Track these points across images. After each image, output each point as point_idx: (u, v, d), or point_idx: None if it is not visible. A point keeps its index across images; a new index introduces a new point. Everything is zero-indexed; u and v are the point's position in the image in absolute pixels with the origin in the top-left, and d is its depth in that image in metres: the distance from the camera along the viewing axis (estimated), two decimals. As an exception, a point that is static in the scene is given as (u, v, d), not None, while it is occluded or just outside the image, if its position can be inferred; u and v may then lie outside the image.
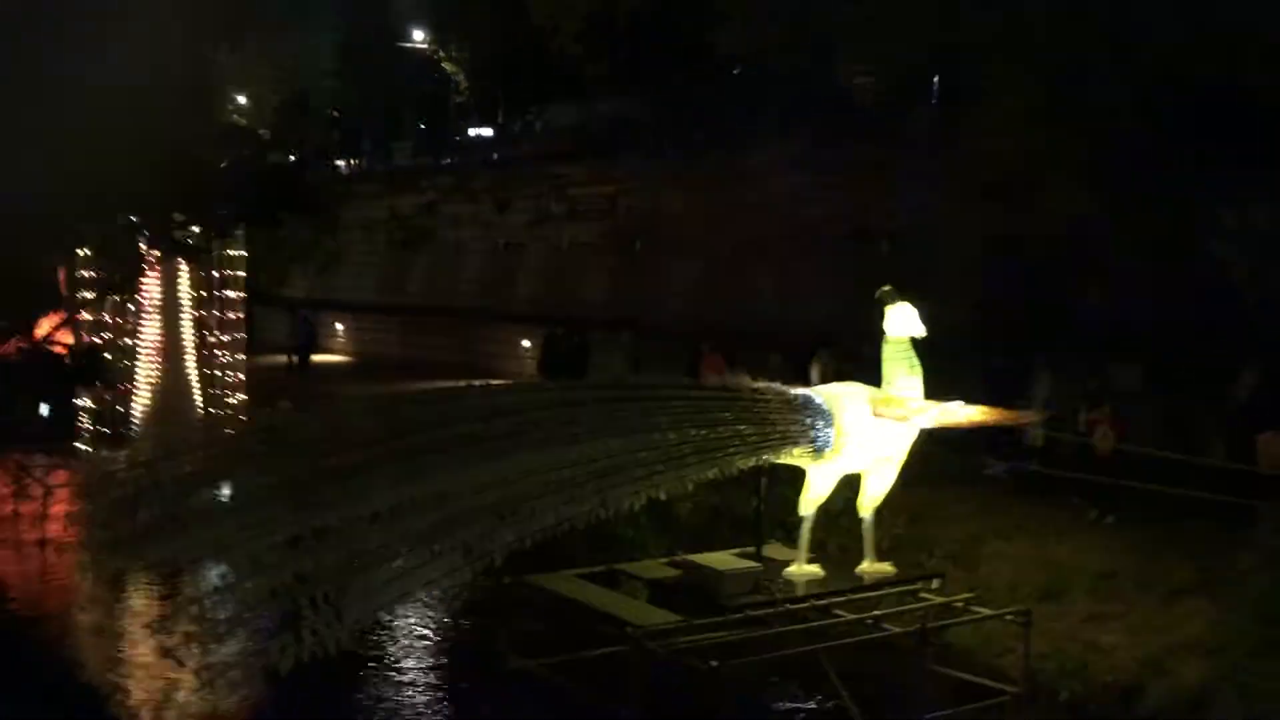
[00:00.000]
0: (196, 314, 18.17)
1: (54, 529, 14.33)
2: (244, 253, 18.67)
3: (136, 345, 18.06)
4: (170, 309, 17.68)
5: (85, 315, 18.13)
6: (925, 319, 10.60)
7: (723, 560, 10.75)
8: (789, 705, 10.60)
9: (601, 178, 30.01)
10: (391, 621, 11.65)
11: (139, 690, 10.65)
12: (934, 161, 20.72)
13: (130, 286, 17.49)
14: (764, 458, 9.82)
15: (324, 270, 37.02)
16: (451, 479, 7.86)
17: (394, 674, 11.19)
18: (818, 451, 10.04)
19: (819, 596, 9.92)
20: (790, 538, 11.12)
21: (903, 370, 10.52)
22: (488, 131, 41.11)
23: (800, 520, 10.70)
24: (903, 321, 10.54)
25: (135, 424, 17.75)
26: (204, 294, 18.18)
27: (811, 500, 10.57)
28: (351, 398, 18.66)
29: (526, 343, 26.85)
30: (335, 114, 44.81)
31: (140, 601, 12.12)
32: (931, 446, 11.12)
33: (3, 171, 9.65)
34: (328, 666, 7.15)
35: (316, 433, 8.37)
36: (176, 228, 13.09)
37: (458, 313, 32.69)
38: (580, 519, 8.37)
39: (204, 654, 7.32)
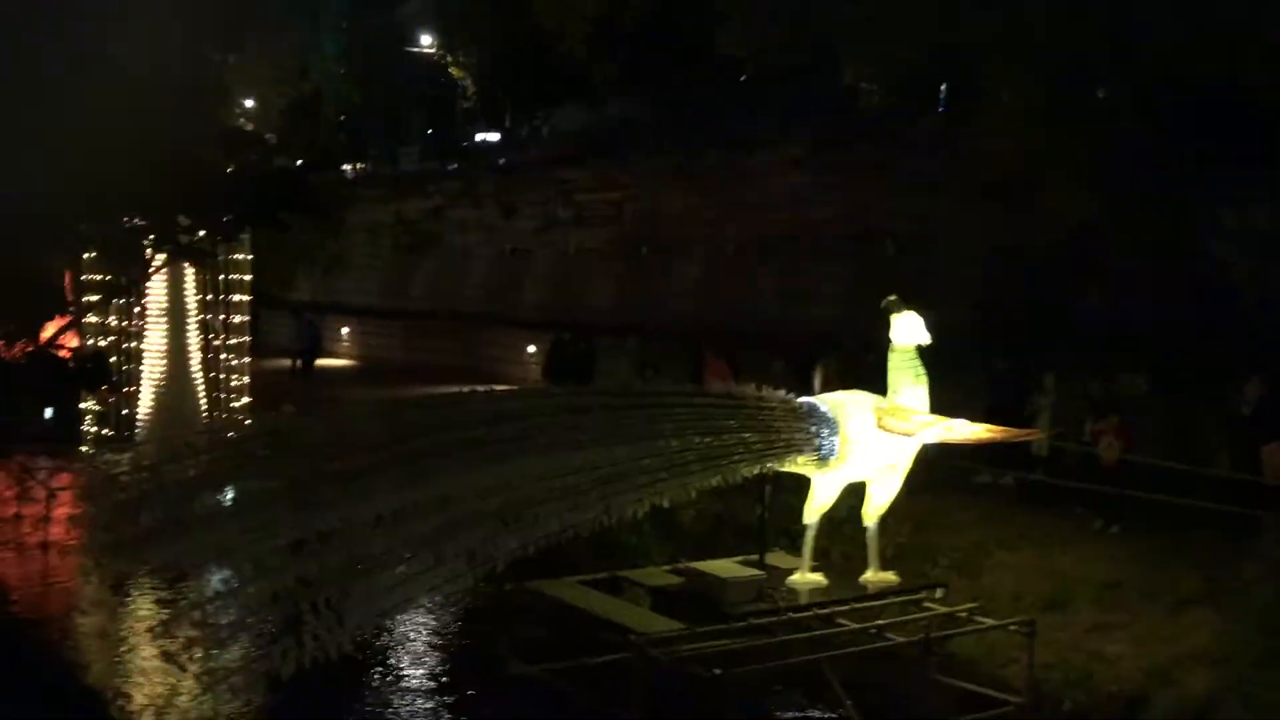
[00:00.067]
0: (201, 317, 18.20)
1: (57, 532, 14.33)
2: (249, 256, 18.69)
3: (141, 349, 18.08)
4: (175, 313, 17.71)
5: (90, 318, 18.16)
6: (928, 323, 10.59)
7: (726, 568, 10.73)
8: (792, 714, 10.56)
9: (608, 182, 30.02)
10: (393, 627, 11.63)
11: (140, 694, 10.64)
12: (936, 163, 20.72)
13: (135, 290, 17.52)
14: (768, 466, 9.81)
15: (329, 274, 37.10)
16: (455, 484, 7.86)
17: (396, 679, 11.18)
18: (822, 460, 10.02)
19: (822, 605, 9.90)
20: (794, 546, 11.09)
21: (908, 379, 10.51)
22: (494, 136, 41.13)
23: (804, 528, 10.68)
24: (908, 330, 10.53)
25: (139, 427, 17.76)
26: (209, 297, 18.21)
27: (815, 509, 10.55)
28: (355, 401, 18.66)
29: (532, 348, 26.85)
30: (342, 118, 44.89)
31: (143, 605, 12.12)
32: (935, 455, 11.10)
33: (3, 171, 9.66)
34: (329, 672, 7.15)
35: (320, 436, 8.37)
36: (181, 231, 13.09)
37: (463, 317, 32.70)
38: (584, 526, 8.36)
39: (206, 658, 7.32)
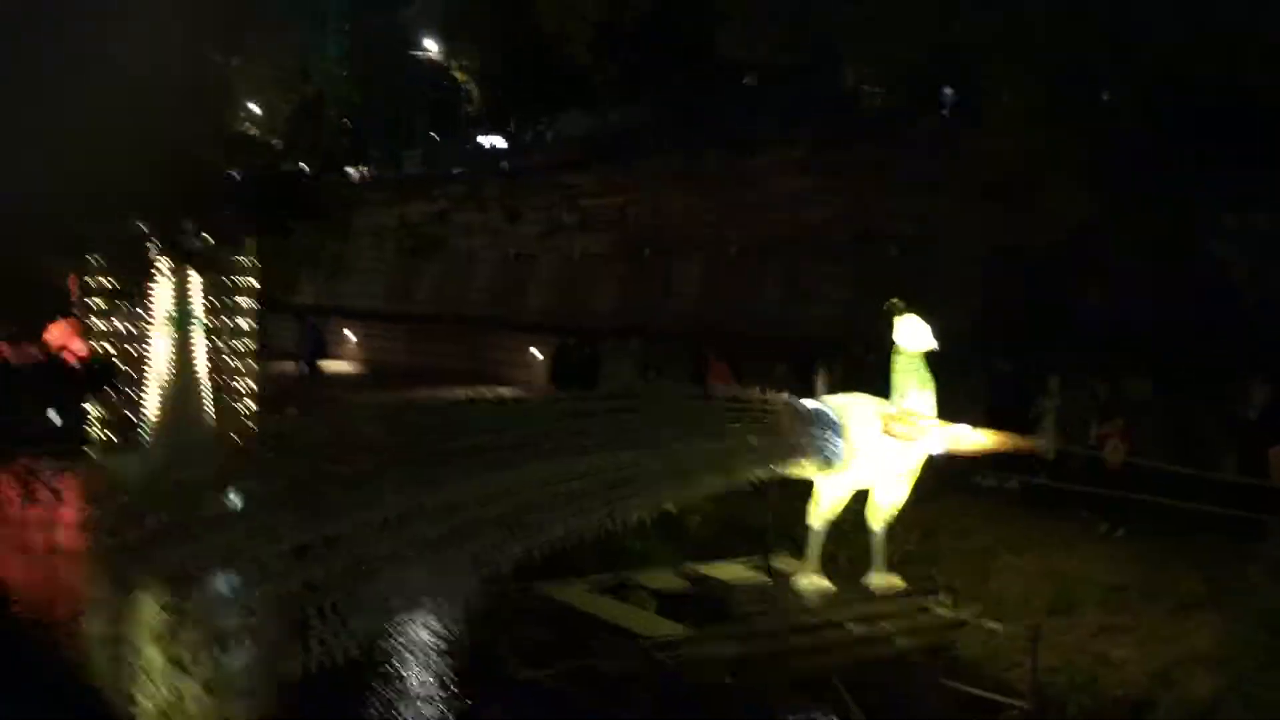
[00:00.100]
0: (207, 321, 18.21)
1: (62, 535, 14.34)
2: (254, 260, 18.72)
3: (147, 352, 18.10)
4: (180, 316, 17.72)
5: (96, 322, 18.18)
6: (932, 327, 10.60)
7: (732, 572, 10.76)
8: (797, 718, 10.55)
9: (612, 187, 30.03)
10: (399, 630, 11.62)
11: (146, 699, 10.63)
12: (937, 163, 20.73)
13: (141, 294, 17.53)
14: (773, 469, 9.82)
15: (333, 277, 37.12)
16: (460, 488, 7.87)
17: (401, 683, 11.17)
18: (828, 464, 10.04)
19: (829, 609, 9.91)
20: (800, 550, 11.10)
21: (914, 383, 10.53)
22: (499, 140, 41.15)
23: (810, 532, 10.69)
24: (914, 334, 10.54)
25: (145, 431, 17.77)
26: (214, 301, 18.22)
27: (821, 513, 10.57)
28: (360, 405, 18.67)
29: (537, 352, 26.85)
30: (345, 121, 44.90)
31: (148, 609, 12.10)
32: (940, 458, 11.09)
33: (6, 174, 9.69)
34: (335, 676, 7.15)
35: (324, 440, 8.39)
36: (185, 234, 13.12)
37: (467, 321, 32.70)
38: (589, 530, 8.37)
39: (212, 663, 7.33)
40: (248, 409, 18.79)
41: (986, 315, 18.06)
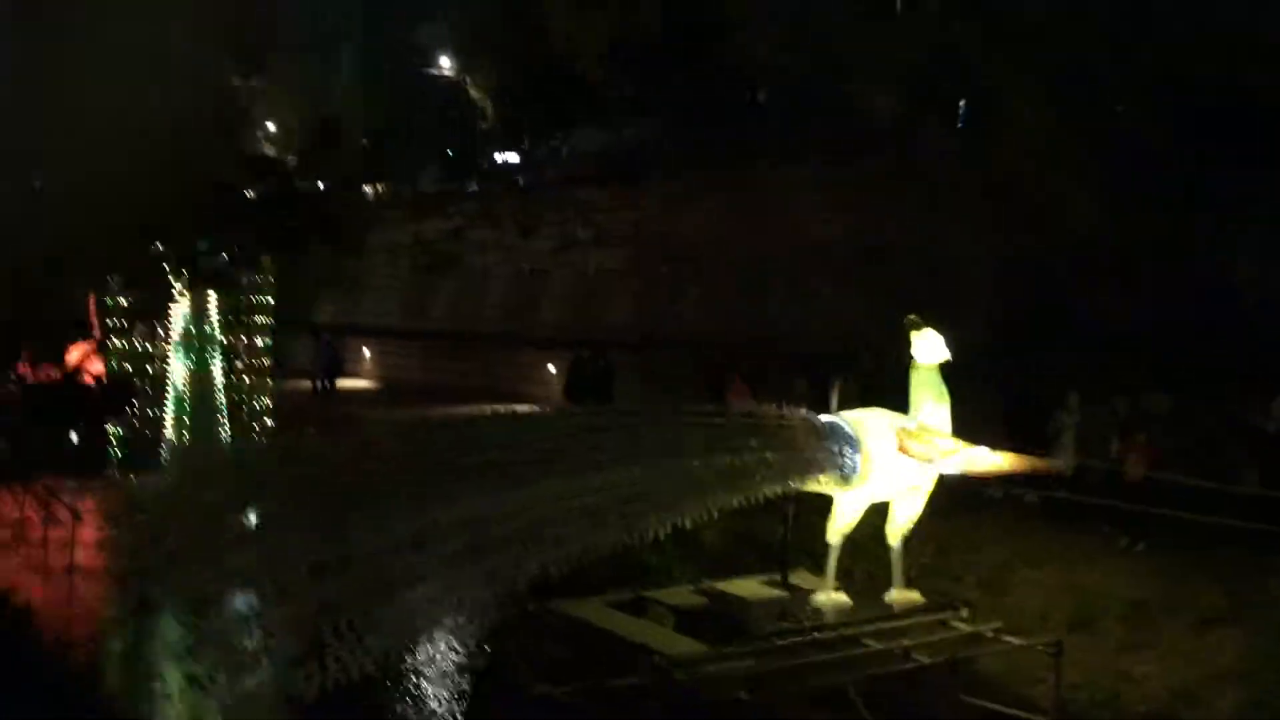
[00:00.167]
0: (224, 340, 18.31)
1: (82, 555, 14.39)
2: (271, 278, 18.82)
3: (165, 372, 18.21)
4: (198, 336, 17.82)
5: (115, 342, 18.28)
6: (948, 341, 10.58)
7: (750, 588, 10.72)
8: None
9: (626, 202, 30.11)
10: (416, 648, 11.61)
11: (165, 718, 10.65)
12: (948, 175, 20.72)
13: (159, 314, 17.64)
14: (790, 485, 9.79)
15: (349, 295, 37.28)
16: (476, 505, 7.87)
17: (418, 701, 11.15)
18: (845, 479, 10.01)
19: (846, 625, 9.86)
20: (817, 565, 11.06)
21: (930, 397, 10.49)
22: (513, 157, 41.32)
23: (827, 548, 10.65)
24: (930, 348, 10.52)
25: (164, 451, 17.85)
26: (231, 320, 18.32)
27: (838, 528, 10.53)
28: (376, 423, 18.72)
29: (551, 367, 26.89)
30: (363, 140, 45.15)
31: (167, 629, 12.14)
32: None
33: (27, 197, 9.80)
34: (352, 694, 7.15)
35: (341, 459, 8.41)
36: (202, 255, 13.24)
37: (482, 337, 32.78)
38: (606, 546, 8.36)
39: (230, 683, 7.35)
40: (265, 428, 18.86)
41: (1003, 329, 18.02)
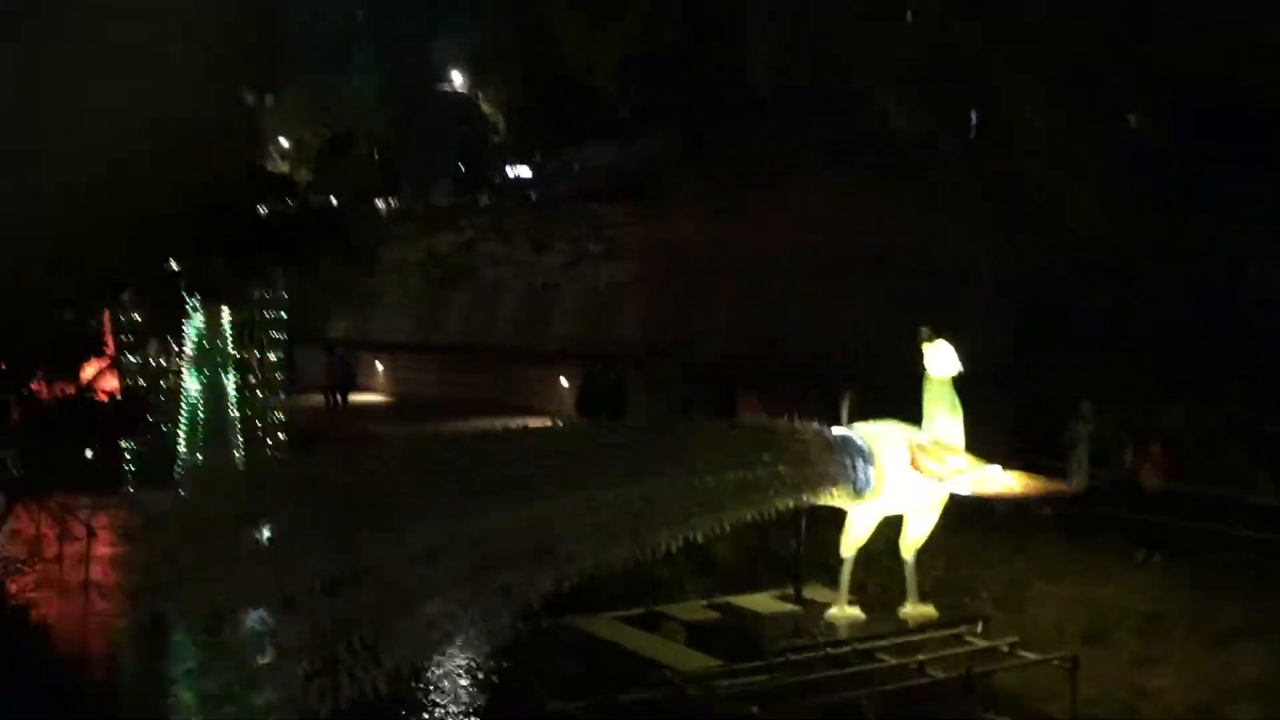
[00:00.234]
0: (237, 356, 18.38)
1: (97, 571, 14.44)
2: (283, 294, 18.91)
3: (179, 388, 18.29)
4: (211, 352, 17.91)
5: (129, 358, 18.37)
6: (960, 353, 10.55)
7: (763, 602, 10.69)
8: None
9: (637, 216, 30.15)
10: (430, 664, 11.60)
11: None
12: (961, 184, 20.68)
13: (172, 330, 17.72)
14: (803, 499, 9.77)
15: (362, 310, 37.39)
16: (489, 521, 7.87)
17: (431, 716, 11.14)
18: (858, 492, 9.98)
19: (861, 640, 9.82)
20: (831, 579, 11.02)
21: (944, 409, 10.47)
22: (525, 171, 41.44)
23: (840, 561, 10.62)
24: (942, 361, 10.50)
25: (177, 467, 17.92)
26: (244, 336, 18.39)
27: (852, 542, 10.50)
28: (389, 438, 18.75)
29: (564, 381, 26.89)
30: (375, 155, 45.35)
31: (181, 644, 12.16)
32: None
33: (41, 214, 9.85)
34: (365, 709, 7.15)
35: (355, 475, 8.42)
36: (215, 272, 13.31)
37: (495, 351, 32.83)
38: (618, 561, 8.35)
39: (245, 698, 7.35)
40: (278, 442, 18.92)
41: (1004, 330, 17.98)
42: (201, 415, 17.93)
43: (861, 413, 11.03)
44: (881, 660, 9.51)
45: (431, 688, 11.46)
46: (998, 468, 10.37)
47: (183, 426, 18.07)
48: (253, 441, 18.52)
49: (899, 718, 8.99)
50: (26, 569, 15.00)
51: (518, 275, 34.48)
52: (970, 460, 10.29)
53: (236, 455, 18.02)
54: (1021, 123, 17.39)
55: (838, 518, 10.73)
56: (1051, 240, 17.59)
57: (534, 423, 10.23)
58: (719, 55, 26.99)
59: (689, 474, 8.83)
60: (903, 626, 10.42)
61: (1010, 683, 10.10)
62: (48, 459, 14.41)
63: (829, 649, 9.59)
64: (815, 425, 10.07)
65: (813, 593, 11.08)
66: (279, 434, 19.13)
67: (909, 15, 19.87)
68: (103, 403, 15.33)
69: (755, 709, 8.25)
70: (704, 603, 11.01)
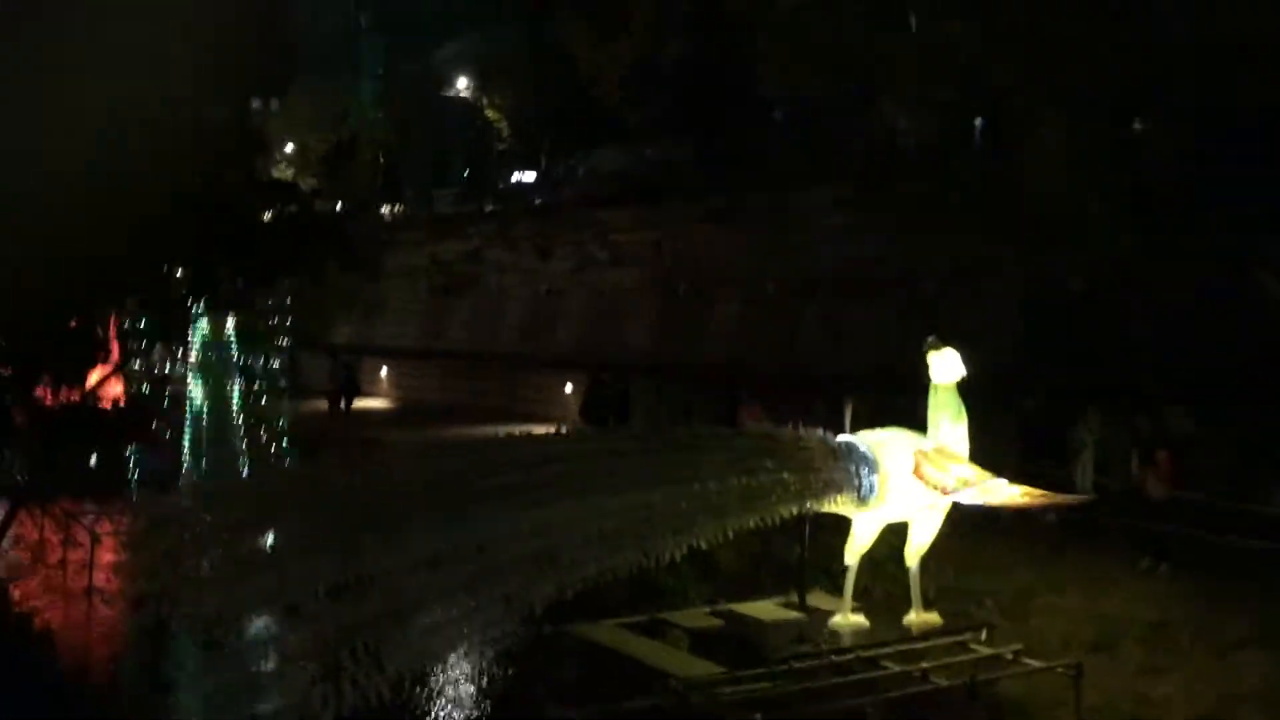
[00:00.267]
0: (242, 362, 18.41)
1: (101, 577, 14.45)
2: (288, 300, 18.96)
3: (184, 394, 18.32)
4: (216, 358, 17.95)
5: (134, 366, 18.39)
6: (967, 360, 10.54)
7: (766, 610, 10.67)
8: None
9: (646, 223, 30.17)
10: (432, 671, 11.59)
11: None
12: (977, 200, 20.65)
13: (177, 336, 17.75)
14: (807, 506, 9.75)
15: (367, 316, 37.43)
16: (492, 528, 7.86)
17: (434, 724, 11.12)
18: (862, 500, 9.96)
19: (865, 647, 9.80)
20: (835, 586, 11.00)
21: (948, 416, 10.45)
22: (530, 178, 41.50)
23: (845, 569, 10.59)
24: (947, 367, 10.48)
25: (182, 474, 17.93)
26: (249, 343, 18.43)
27: (856, 549, 10.48)
28: (393, 445, 18.75)
29: (569, 388, 26.90)
30: (380, 161, 45.49)
31: (185, 651, 12.16)
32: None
33: (44, 220, 9.86)
34: (369, 717, 7.13)
35: (358, 482, 8.42)
36: (220, 280, 13.31)
37: (500, 358, 32.85)
38: (622, 568, 8.33)
39: (248, 705, 7.35)
40: (282, 449, 18.93)
41: (1028, 352, 17.97)
42: (206, 422, 17.95)
43: (870, 420, 11.03)
44: (885, 668, 9.48)
45: (434, 694, 11.44)
46: (1003, 480, 10.33)
47: (187, 433, 18.09)
48: (256, 447, 18.53)
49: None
50: (30, 574, 15.01)
51: (523, 282, 34.52)
52: (975, 470, 10.26)
53: (240, 461, 18.03)
54: (1028, 129, 17.37)
55: (842, 525, 10.71)
56: (1058, 247, 17.56)
57: (538, 430, 10.21)
58: (727, 63, 27.01)
59: (693, 481, 8.82)
60: (907, 634, 10.39)
61: (1015, 691, 10.07)
62: (52, 465, 14.42)
63: (833, 656, 9.56)
64: (819, 432, 10.05)
65: (816, 600, 11.05)
66: (283, 440, 19.14)
67: (914, 22, 19.86)
68: (107, 409, 15.33)
69: (759, 716, 8.22)
70: (707, 610, 10.98)
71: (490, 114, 41.86)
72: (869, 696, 9.01)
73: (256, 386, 18.73)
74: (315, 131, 43.60)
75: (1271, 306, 15.54)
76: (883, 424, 10.88)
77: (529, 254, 33.83)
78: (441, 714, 11.30)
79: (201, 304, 15.48)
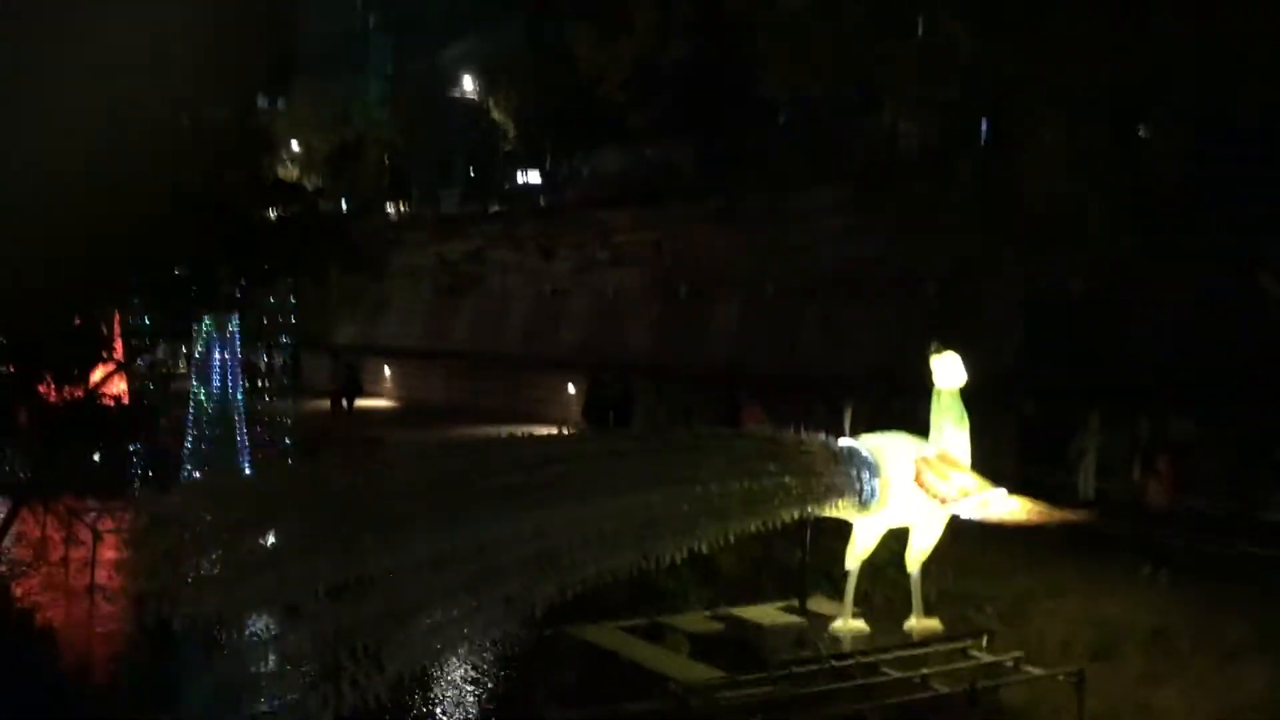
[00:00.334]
0: (245, 361, 18.43)
1: (102, 575, 14.46)
2: (291, 300, 18.98)
3: (187, 392, 18.34)
4: (220, 356, 17.96)
5: (138, 364, 18.42)
6: (968, 364, 10.53)
7: (766, 614, 10.65)
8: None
9: (647, 224, 30.19)
10: (432, 672, 11.59)
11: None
12: (978, 203, 20.64)
13: (180, 335, 17.78)
14: (808, 510, 9.74)
15: (371, 316, 37.48)
16: (493, 530, 7.86)
17: (434, 725, 11.12)
18: (863, 504, 9.94)
19: (864, 653, 9.78)
20: (836, 590, 10.98)
21: (950, 420, 10.44)
22: (535, 178, 41.52)
23: (845, 573, 10.58)
24: (949, 372, 10.47)
25: (185, 472, 17.95)
26: (252, 342, 18.45)
27: (857, 554, 10.46)
28: (395, 445, 18.75)
29: (571, 389, 26.91)
30: (385, 161, 45.51)
31: (186, 650, 12.17)
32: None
33: (46, 221, 9.87)
34: (368, 718, 7.13)
35: (359, 482, 8.41)
36: (222, 280, 13.34)
37: (503, 358, 32.86)
38: (622, 570, 8.33)
39: (248, 705, 7.35)
40: (284, 448, 18.95)
41: (1028, 356, 17.94)
42: (208, 420, 17.97)
43: (870, 421, 11.01)
44: (885, 674, 9.46)
45: (434, 696, 11.44)
46: (1003, 491, 10.30)
47: (190, 431, 18.11)
48: (259, 446, 18.55)
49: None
50: (32, 572, 15.03)
51: (526, 282, 34.54)
52: (977, 480, 10.23)
53: (243, 460, 18.05)
54: (1029, 130, 17.34)
55: (844, 529, 10.70)
56: (1059, 247, 17.54)
57: (540, 430, 10.20)
58: (727, 64, 26.98)
59: (694, 483, 8.81)
60: (907, 640, 10.37)
61: (1016, 698, 10.06)
62: (55, 462, 14.46)
63: (832, 661, 9.55)
64: (821, 436, 10.04)
65: (817, 605, 11.04)
66: (285, 439, 19.16)
67: (918, 23, 19.84)
68: (110, 407, 15.37)
69: (756, 720, 8.23)
70: (707, 614, 10.97)
71: (496, 115, 41.88)
72: (868, 702, 9.00)
73: (259, 385, 18.74)
74: (321, 131, 43.65)
75: (1272, 307, 15.49)
76: (883, 426, 10.87)
77: (533, 254, 33.86)
78: (441, 715, 11.30)
79: (203, 302, 15.51)
